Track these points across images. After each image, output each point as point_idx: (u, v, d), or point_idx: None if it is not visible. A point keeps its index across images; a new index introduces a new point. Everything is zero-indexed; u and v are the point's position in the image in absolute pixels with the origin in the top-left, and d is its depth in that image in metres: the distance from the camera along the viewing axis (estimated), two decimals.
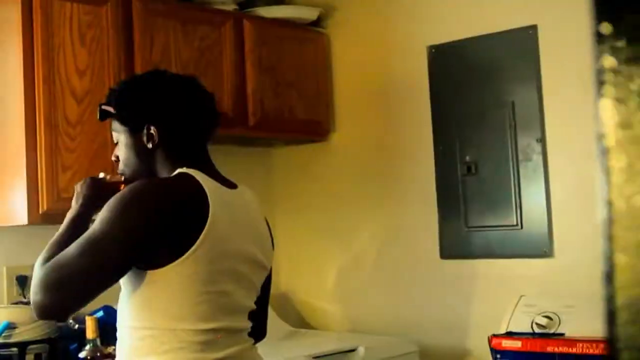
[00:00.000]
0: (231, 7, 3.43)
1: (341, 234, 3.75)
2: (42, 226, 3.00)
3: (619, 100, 0.61)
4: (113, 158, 2.09)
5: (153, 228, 1.82)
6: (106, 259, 1.80)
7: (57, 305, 1.83)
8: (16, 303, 3.00)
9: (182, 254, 1.83)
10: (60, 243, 1.91)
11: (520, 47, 3.20)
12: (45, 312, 1.83)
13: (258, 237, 2.04)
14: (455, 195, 3.36)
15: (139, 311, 1.88)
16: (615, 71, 0.61)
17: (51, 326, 2.79)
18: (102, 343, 2.61)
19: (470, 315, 3.31)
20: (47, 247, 1.94)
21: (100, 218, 1.84)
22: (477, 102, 3.29)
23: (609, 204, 0.61)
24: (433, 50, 3.41)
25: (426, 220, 3.44)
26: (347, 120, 3.75)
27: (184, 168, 1.94)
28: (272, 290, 2.24)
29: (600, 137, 0.62)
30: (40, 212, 2.80)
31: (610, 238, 0.61)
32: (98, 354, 2.57)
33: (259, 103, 3.43)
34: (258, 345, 2.08)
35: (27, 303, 3.02)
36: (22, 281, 3.10)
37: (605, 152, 0.61)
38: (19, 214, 2.82)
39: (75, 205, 2.07)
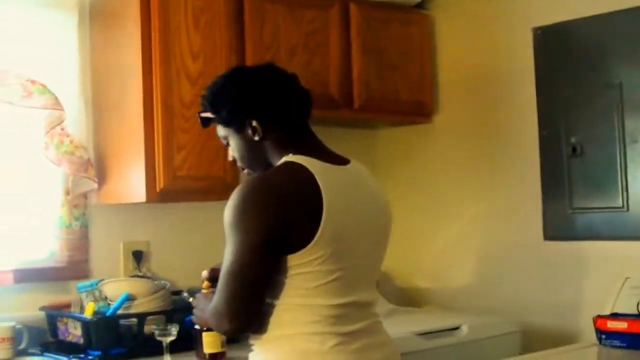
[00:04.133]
0: None
1: (443, 214, 3.79)
2: (157, 204, 3.16)
3: None
4: (230, 159, 2.21)
5: (275, 225, 1.91)
6: (253, 275, 1.93)
7: (244, 328, 2.02)
8: (132, 277, 3.16)
9: (311, 238, 1.92)
10: None
11: (628, 28, 3.17)
12: (237, 333, 2.13)
13: (375, 209, 2.11)
14: (559, 177, 3.36)
15: (278, 290, 1.98)
16: None
17: (167, 299, 2.92)
18: None
19: (574, 297, 3.32)
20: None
21: (227, 240, 1.97)
22: (583, 84, 3.28)
23: None
24: (539, 32, 3.41)
25: (530, 202, 3.45)
26: (451, 102, 3.78)
27: (290, 155, 2.03)
28: None
29: None
30: (158, 190, 2.93)
31: None
32: None
33: (364, 85, 3.49)
34: None
35: (142, 276, 3.17)
36: (138, 256, 3.25)
37: None
38: (138, 192, 2.96)
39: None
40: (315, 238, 1.92)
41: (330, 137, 2.29)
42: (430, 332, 3.04)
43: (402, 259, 3.85)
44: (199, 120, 2.20)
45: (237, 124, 2.09)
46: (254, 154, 2.11)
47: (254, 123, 2.06)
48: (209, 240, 3.43)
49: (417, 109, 3.75)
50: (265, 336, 2.01)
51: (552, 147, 3.37)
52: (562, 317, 3.34)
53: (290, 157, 2.02)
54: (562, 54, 3.36)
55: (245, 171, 2.18)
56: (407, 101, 3.68)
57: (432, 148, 3.86)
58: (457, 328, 3.14)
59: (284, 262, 1.95)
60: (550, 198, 3.40)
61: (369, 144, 4.02)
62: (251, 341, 2.08)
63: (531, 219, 3.44)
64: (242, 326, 1.99)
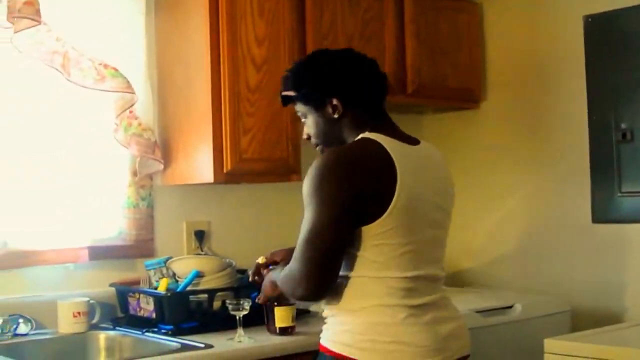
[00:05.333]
0: None
1: (491, 198, 3.88)
2: (217, 185, 3.26)
3: None
4: (304, 137, 2.30)
5: (352, 195, 2.00)
6: (329, 244, 2.01)
7: (317, 294, 2.08)
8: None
9: (385, 209, 2.01)
10: None
11: None
12: (309, 300, 2.17)
13: (442, 188, 2.22)
14: (608, 162, 3.44)
15: (352, 263, 2.08)
16: None
17: (233, 276, 3.03)
18: None
19: (621, 278, 3.41)
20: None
21: (306, 208, 2.05)
22: (633, 71, 3.36)
23: None
24: (589, 20, 3.49)
25: (578, 186, 3.53)
26: (499, 88, 3.87)
27: (366, 132, 2.13)
28: None
29: None
30: (225, 171, 3.03)
31: None
32: (283, 301, 2.79)
33: (416, 72, 3.58)
34: None
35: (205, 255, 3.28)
36: (200, 235, 3.35)
37: None
38: (205, 173, 3.06)
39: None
40: (389, 209, 2.01)
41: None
42: (487, 310, 3.13)
43: (449, 241, 3.92)
44: (279, 99, 2.30)
45: (317, 102, 2.19)
46: (331, 131, 2.21)
47: (335, 101, 2.16)
48: (268, 221, 3.56)
49: (465, 95, 3.84)
50: (338, 308, 2.11)
51: (602, 133, 3.46)
52: (609, 297, 3.43)
53: (366, 134, 2.13)
54: (612, 41, 3.44)
55: (318, 148, 2.26)
56: (456, 87, 3.77)
57: (478, 133, 3.95)
58: (511, 307, 3.24)
59: (358, 235, 2.04)
60: (599, 182, 3.48)
61: (416, 129, 4.08)
62: (325, 313, 2.18)
63: (579, 202, 3.53)
64: (315, 292, 2.06)
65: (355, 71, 2.20)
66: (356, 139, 2.14)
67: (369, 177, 2.03)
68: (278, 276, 2.22)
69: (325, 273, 2.03)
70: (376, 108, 2.23)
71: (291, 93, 2.25)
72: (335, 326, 2.13)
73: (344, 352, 2.07)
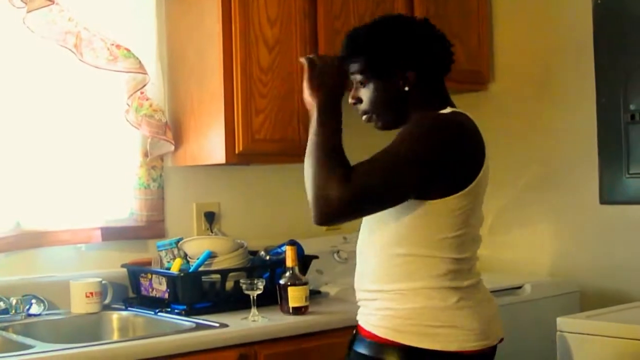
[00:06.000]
0: None
1: (499, 180, 3.83)
2: (227, 167, 3.26)
3: None
4: (351, 100, 2.13)
5: (446, 160, 1.93)
6: (403, 180, 1.91)
7: (345, 204, 1.88)
8: None
9: (464, 187, 1.96)
10: (333, 144, 1.96)
11: None
12: (330, 204, 1.88)
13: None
14: (617, 143, 3.44)
15: (401, 238, 2.00)
16: None
17: (245, 257, 3.04)
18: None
19: (630, 259, 3.42)
20: (317, 147, 1.97)
21: (400, 141, 1.93)
22: None
23: None
24: (598, 2, 3.48)
25: (586, 167, 3.53)
26: (507, 70, 3.87)
27: (448, 108, 2.08)
28: None
29: None
30: (237, 152, 3.04)
31: None
32: (296, 281, 2.81)
33: None
34: None
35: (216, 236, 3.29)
36: (210, 217, 3.36)
37: None
38: (217, 153, 3.06)
39: (321, 96, 2.03)
40: (470, 186, 1.96)
41: None
42: (497, 290, 3.14)
43: None
44: (334, 61, 2.10)
45: (387, 72, 2.07)
46: (394, 103, 2.08)
47: (409, 73, 2.05)
48: (278, 202, 3.56)
49: (474, 77, 3.83)
50: (384, 289, 2.03)
51: (610, 114, 3.46)
52: (619, 279, 3.44)
53: (456, 109, 2.09)
54: (621, 24, 3.43)
55: (365, 116, 2.12)
56: (465, 70, 3.75)
57: (486, 115, 3.92)
58: (520, 287, 3.26)
59: (422, 208, 1.95)
60: (607, 163, 3.49)
61: None
62: (365, 295, 2.10)
63: (587, 183, 3.53)
64: (344, 206, 1.87)
65: (433, 44, 2.10)
66: (445, 111, 2.05)
67: (473, 154, 2.00)
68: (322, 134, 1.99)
69: (365, 202, 1.92)
70: (441, 83, 2.15)
71: (350, 58, 2.09)
72: (380, 311, 2.04)
73: (393, 338, 1.99)
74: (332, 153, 1.94)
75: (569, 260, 3.60)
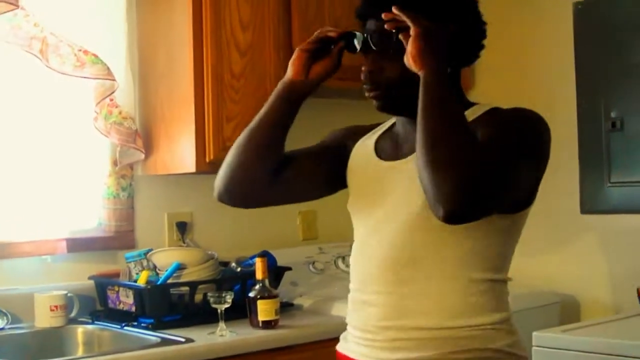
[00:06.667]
0: None
1: None
2: (200, 176, 3.18)
3: None
4: (367, 68, 1.76)
5: (546, 161, 1.74)
6: (521, 175, 1.66)
7: (477, 199, 1.54)
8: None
9: (534, 196, 1.76)
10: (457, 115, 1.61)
11: None
12: (487, 186, 1.56)
13: None
14: (598, 151, 3.38)
15: (480, 260, 1.70)
16: None
17: (216, 268, 2.96)
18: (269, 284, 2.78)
19: (613, 269, 3.35)
20: (453, 117, 1.59)
21: (519, 134, 1.69)
22: (624, 59, 3.30)
23: None
24: (579, 7, 3.42)
25: (567, 176, 3.46)
26: (487, 75, 3.79)
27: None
28: None
29: None
30: (207, 160, 2.96)
31: None
32: (266, 294, 2.73)
33: None
34: None
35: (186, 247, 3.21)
36: (182, 227, 3.28)
37: None
38: (187, 162, 2.98)
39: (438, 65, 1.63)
40: (535, 196, 1.77)
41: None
42: None
43: None
44: (361, 43, 1.77)
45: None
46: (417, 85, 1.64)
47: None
48: (251, 212, 3.44)
49: None
50: (477, 321, 1.70)
51: (591, 121, 3.40)
52: (600, 288, 3.38)
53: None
54: (602, 28, 3.37)
55: (372, 94, 1.76)
56: None
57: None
58: None
59: (502, 222, 1.72)
60: (588, 171, 3.42)
61: None
62: (452, 325, 1.69)
63: (568, 192, 3.46)
64: (479, 190, 1.53)
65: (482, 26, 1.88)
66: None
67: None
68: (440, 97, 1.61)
69: (489, 197, 1.57)
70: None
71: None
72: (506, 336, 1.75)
73: None
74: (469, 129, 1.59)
75: (548, 271, 3.52)
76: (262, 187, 1.87)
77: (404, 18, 1.63)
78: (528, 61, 3.65)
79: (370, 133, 1.95)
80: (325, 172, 1.95)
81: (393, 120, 1.92)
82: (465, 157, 1.53)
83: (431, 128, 1.58)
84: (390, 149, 1.86)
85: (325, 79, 1.85)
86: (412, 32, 1.62)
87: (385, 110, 1.81)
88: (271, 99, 1.86)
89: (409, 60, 1.63)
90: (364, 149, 1.91)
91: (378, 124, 1.97)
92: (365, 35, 1.76)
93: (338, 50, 1.82)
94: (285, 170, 1.88)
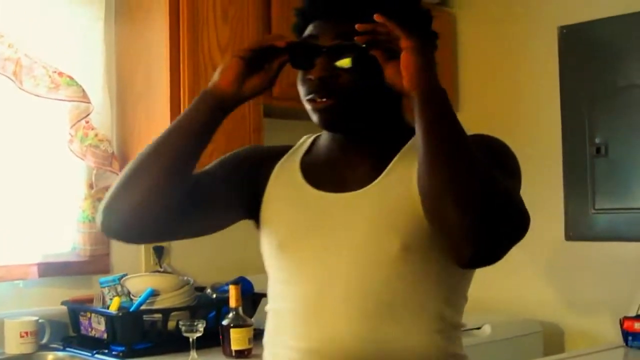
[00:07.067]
0: None
1: None
2: None
3: None
4: (319, 74, 1.50)
5: None
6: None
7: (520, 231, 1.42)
8: (155, 272, 3.13)
9: None
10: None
11: None
12: (522, 223, 1.43)
13: None
14: (582, 177, 3.34)
15: (445, 298, 1.53)
16: None
17: (191, 295, 2.90)
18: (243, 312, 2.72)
19: (596, 298, 3.31)
20: (464, 143, 1.38)
21: (505, 157, 1.56)
22: (608, 84, 3.27)
23: None
24: (564, 31, 3.39)
25: (551, 202, 3.43)
26: (472, 99, 3.76)
27: None
28: None
29: None
30: None
31: None
32: (240, 322, 2.67)
33: None
34: None
35: (164, 272, 3.15)
36: (159, 251, 3.22)
37: None
38: None
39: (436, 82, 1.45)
40: None
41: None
42: None
43: None
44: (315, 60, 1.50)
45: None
46: (386, 98, 1.53)
47: None
48: (229, 236, 3.38)
49: None
50: None
51: (576, 147, 3.36)
52: (585, 318, 3.33)
53: None
54: (587, 53, 3.35)
55: (322, 105, 1.51)
56: None
57: None
58: (479, 328, 3.13)
59: None
60: (573, 198, 3.38)
61: None
62: None
63: (552, 218, 3.42)
64: (521, 227, 1.42)
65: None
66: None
67: None
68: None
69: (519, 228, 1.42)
70: None
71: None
72: None
73: None
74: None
75: (532, 299, 3.47)
76: (167, 217, 1.52)
77: (394, 29, 1.39)
78: (513, 85, 3.61)
79: (288, 155, 1.67)
80: (238, 199, 1.65)
81: (308, 140, 1.68)
82: (496, 189, 1.35)
83: (452, 157, 1.35)
84: (327, 176, 1.59)
85: (257, 95, 1.55)
86: (404, 44, 1.38)
87: (332, 125, 1.56)
88: (191, 107, 1.53)
89: (396, 78, 1.40)
90: (287, 175, 1.63)
91: (287, 146, 1.70)
92: (324, 49, 1.49)
93: (279, 64, 1.53)
94: (193, 197, 1.56)
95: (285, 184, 1.62)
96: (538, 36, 3.49)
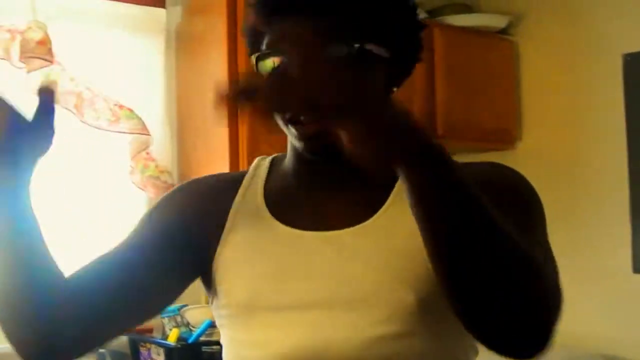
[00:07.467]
0: (422, 15, 3.45)
1: None
2: None
3: None
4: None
5: None
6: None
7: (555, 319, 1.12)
8: None
9: None
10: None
11: None
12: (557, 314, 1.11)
13: None
14: None
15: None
16: None
17: None
18: None
19: None
20: (491, 226, 1.03)
21: (537, 222, 1.26)
22: None
23: None
24: (629, 59, 3.32)
25: (618, 233, 3.34)
26: (535, 128, 3.70)
27: None
28: None
29: None
30: None
31: None
32: None
33: (447, 112, 3.43)
34: None
35: None
36: None
37: None
38: None
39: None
40: None
41: None
42: None
43: None
44: None
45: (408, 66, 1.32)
46: None
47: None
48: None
49: (501, 135, 3.68)
50: None
51: None
52: None
53: None
54: None
55: (314, 128, 1.15)
56: (490, 128, 3.61)
57: None
58: None
59: None
60: None
61: None
62: None
63: (619, 251, 3.33)
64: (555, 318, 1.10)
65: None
66: None
67: None
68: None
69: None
70: None
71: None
72: None
73: None
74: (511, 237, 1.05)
75: (595, 332, 3.38)
76: (82, 334, 1.23)
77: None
78: (576, 114, 3.54)
79: (244, 187, 1.31)
80: (185, 266, 1.31)
81: (263, 164, 1.36)
82: (538, 286, 1.06)
83: (472, 258, 1.02)
84: (301, 210, 1.26)
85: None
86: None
87: (322, 151, 1.18)
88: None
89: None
90: (247, 212, 1.28)
91: (237, 174, 1.36)
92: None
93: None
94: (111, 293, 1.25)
95: (248, 225, 1.26)
96: (602, 64, 3.42)
